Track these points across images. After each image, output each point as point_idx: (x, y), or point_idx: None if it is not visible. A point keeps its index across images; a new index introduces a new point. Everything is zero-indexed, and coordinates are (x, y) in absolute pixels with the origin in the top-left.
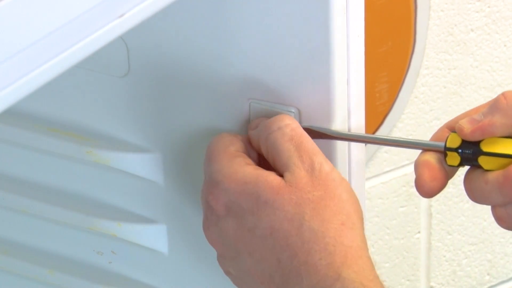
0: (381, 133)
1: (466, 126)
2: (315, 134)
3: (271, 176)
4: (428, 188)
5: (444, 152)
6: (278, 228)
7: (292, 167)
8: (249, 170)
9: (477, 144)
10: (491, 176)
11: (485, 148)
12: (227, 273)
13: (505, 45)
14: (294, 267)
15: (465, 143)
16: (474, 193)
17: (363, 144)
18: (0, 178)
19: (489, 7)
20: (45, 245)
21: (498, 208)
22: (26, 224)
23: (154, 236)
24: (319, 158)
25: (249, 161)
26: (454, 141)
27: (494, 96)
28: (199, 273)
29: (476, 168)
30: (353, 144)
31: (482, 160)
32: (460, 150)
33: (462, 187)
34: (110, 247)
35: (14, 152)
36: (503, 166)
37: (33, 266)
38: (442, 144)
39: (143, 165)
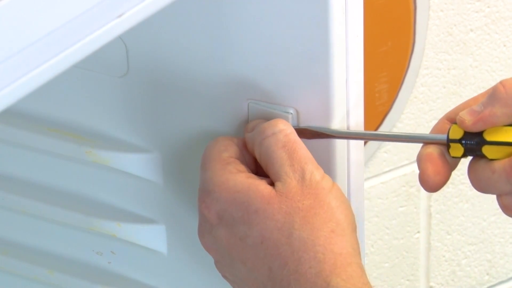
0: None
1: (467, 118)
2: (314, 134)
3: (262, 185)
4: (432, 183)
5: (447, 144)
6: (268, 237)
7: (284, 176)
8: (241, 178)
9: (480, 134)
10: (498, 165)
11: (488, 137)
12: (224, 277)
13: (504, 45)
14: (284, 276)
15: (467, 134)
16: (480, 183)
17: (362, 145)
18: (0, 178)
19: (488, 7)
20: (44, 245)
21: (505, 197)
22: (26, 224)
23: (153, 236)
24: (310, 166)
25: (242, 167)
26: (456, 133)
27: None
28: (198, 273)
29: (480, 158)
30: (352, 144)
31: (486, 150)
32: (463, 141)
33: (461, 187)
34: (110, 247)
35: (13, 152)
36: (508, 155)
37: (33, 266)
38: (444, 136)
39: (142, 165)
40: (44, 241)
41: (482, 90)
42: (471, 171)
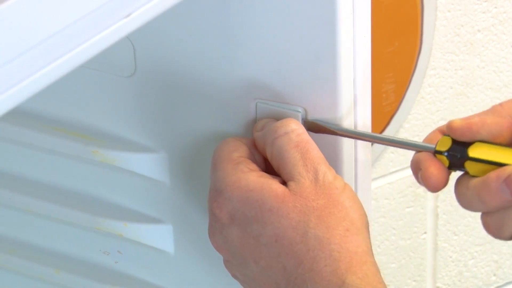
0: (388, 133)
1: (456, 122)
2: (321, 129)
3: (275, 184)
4: (435, 180)
5: (433, 154)
6: (282, 236)
7: (297, 176)
8: (253, 178)
9: (465, 149)
10: (473, 182)
11: (472, 153)
12: (234, 276)
13: None
14: (299, 274)
15: (454, 147)
16: (460, 198)
17: (369, 145)
18: (6, 177)
19: (495, 7)
20: (51, 244)
21: (484, 215)
22: (32, 223)
23: (160, 236)
24: (323, 167)
25: (253, 166)
26: (443, 144)
27: (500, 96)
28: (205, 273)
29: (465, 173)
30: (359, 145)
31: (469, 165)
32: (447, 154)
33: None
34: (116, 247)
35: (20, 151)
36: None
37: (40, 265)
38: (433, 146)
39: (149, 165)
40: (51, 240)
41: (489, 91)
42: (456, 184)
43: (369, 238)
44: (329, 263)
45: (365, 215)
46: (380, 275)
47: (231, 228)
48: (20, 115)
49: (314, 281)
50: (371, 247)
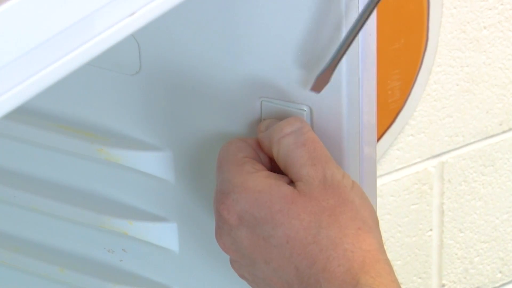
0: (394, 130)
1: None
2: None
3: (283, 186)
4: None
5: None
6: (294, 236)
7: (306, 177)
8: (260, 178)
9: None
10: None
11: None
12: (242, 276)
13: None
14: (312, 274)
15: None
16: None
17: (375, 142)
18: (11, 175)
19: (502, 4)
20: (56, 243)
21: None
22: (37, 221)
23: (165, 234)
24: (331, 166)
25: (259, 166)
26: None
27: (507, 93)
28: (210, 271)
29: None
30: (364, 142)
31: None
32: None
33: (474, 184)
34: (121, 245)
35: (25, 149)
36: None
37: (44, 263)
38: None
39: (154, 163)
40: (56, 238)
41: (495, 88)
42: None
43: (380, 235)
44: (343, 263)
45: (374, 212)
46: (394, 273)
47: (240, 229)
48: (26, 113)
49: (328, 281)
50: (382, 244)
